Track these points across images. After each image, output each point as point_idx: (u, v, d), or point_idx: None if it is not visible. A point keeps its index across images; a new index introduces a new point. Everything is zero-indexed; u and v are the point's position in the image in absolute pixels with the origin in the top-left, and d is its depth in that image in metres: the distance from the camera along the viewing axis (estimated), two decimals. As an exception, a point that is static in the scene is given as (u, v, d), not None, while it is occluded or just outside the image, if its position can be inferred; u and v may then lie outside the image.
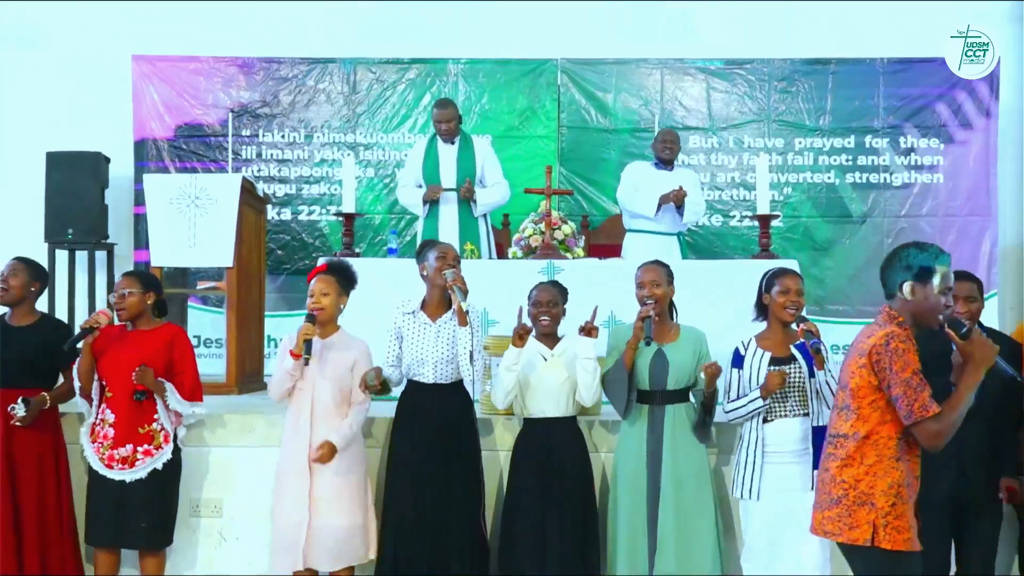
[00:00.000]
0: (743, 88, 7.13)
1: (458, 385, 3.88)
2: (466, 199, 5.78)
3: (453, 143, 5.92)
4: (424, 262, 3.88)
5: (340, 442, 3.74)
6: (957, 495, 3.54)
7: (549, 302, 3.87)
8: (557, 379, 3.85)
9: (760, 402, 3.62)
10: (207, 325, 6.63)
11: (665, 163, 6.02)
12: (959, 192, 6.98)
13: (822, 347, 3.52)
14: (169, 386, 3.86)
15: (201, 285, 5.93)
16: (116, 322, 4.04)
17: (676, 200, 5.74)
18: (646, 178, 5.95)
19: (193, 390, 3.94)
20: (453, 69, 7.15)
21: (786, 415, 3.62)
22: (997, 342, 3.54)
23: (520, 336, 3.73)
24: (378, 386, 3.70)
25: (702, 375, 3.67)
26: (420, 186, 5.91)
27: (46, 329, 4.10)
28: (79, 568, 4.08)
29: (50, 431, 4.07)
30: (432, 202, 5.85)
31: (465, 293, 3.70)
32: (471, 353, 3.71)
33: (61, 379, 4.12)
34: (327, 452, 3.71)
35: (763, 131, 7.12)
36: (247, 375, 5.31)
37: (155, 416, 3.89)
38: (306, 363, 3.69)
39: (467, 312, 3.70)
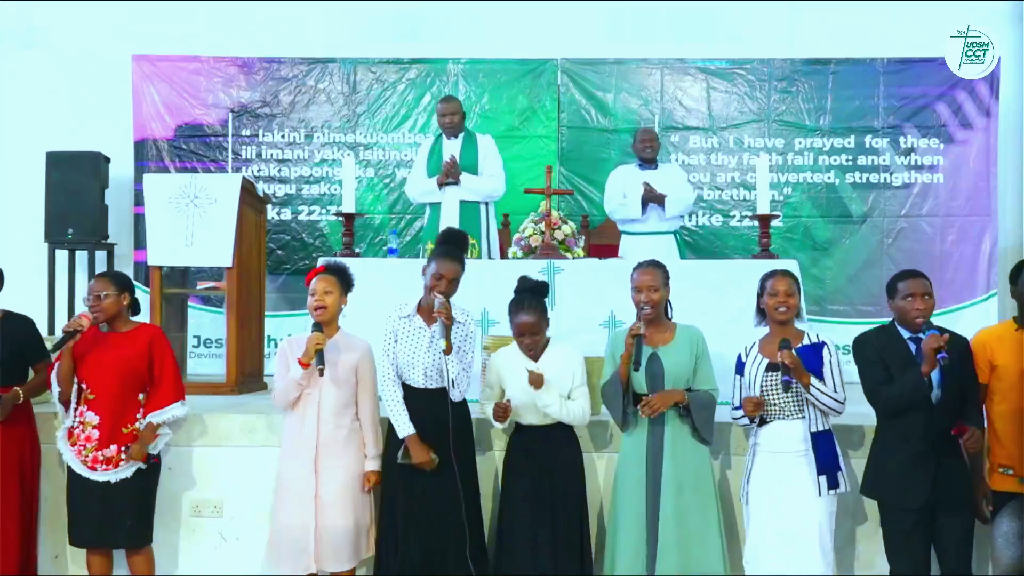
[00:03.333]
0: (743, 88, 7.13)
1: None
2: (452, 176, 5.77)
3: (457, 139, 5.94)
4: (428, 266, 3.82)
5: (378, 463, 3.81)
6: (933, 496, 3.51)
7: (532, 326, 3.75)
8: (543, 391, 3.73)
9: (746, 420, 3.65)
10: (207, 325, 6.64)
11: (648, 162, 6.10)
12: (959, 192, 6.98)
13: (793, 382, 3.52)
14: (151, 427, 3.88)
15: (201, 285, 5.91)
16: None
17: (651, 199, 5.82)
18: (631, 181, 6.02)
19: (176, 391, 3.94)
20: (453, 69, 7.15)
21: (784, 417, 3.62)
22: (953, 342, 3.55)
23: (500, 418, 3.74)
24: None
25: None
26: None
27: (11, 326, 4.03)
28: (34, 568, 4.07)
29: (24, 426, 4.04)
30: (443, 188, 5.84)
31: (449, 327, 3.63)
32: (453, 380, 3.70)
33: (32, 374, 4.09)
34: (376, 481, 3.82)
35: (763, 131, 7.12)
36: (247, 375, 5.30)
37: (137, 415, 3.89)
38: (320, 373, 3.67)
39: (455, 322, 3.68)
